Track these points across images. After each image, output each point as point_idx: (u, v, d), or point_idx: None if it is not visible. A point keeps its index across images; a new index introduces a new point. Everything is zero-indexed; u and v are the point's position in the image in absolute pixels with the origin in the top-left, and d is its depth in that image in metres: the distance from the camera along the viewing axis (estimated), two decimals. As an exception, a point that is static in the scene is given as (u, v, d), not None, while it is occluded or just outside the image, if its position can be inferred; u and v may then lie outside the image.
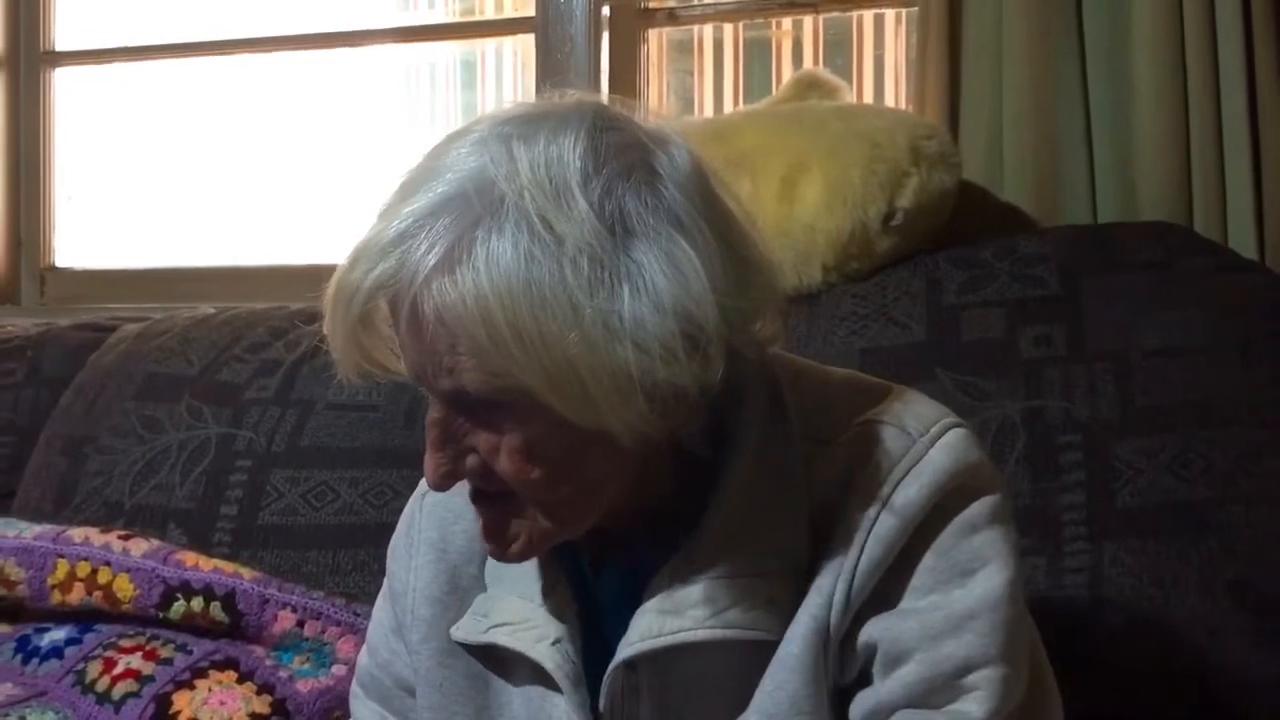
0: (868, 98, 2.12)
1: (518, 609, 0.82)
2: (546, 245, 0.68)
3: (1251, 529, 1.06)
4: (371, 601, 1.24)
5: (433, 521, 0.89)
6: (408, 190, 0.73)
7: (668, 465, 0.79)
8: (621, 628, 0.80)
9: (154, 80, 2.20)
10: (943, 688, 0.75)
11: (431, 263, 0.69)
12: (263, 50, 2.11)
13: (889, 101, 2.12)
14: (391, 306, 0.72)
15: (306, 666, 1.19)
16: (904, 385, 0.84)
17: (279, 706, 1.15)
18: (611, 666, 0.79)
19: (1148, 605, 1.06)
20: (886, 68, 2.23)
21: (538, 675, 0.81)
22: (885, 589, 0.77)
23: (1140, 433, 1.12)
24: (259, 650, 1.20)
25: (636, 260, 0.70)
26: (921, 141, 1.34)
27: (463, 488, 0.84)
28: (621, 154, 0.72)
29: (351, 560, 1.31)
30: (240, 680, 1.16)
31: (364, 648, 0.97)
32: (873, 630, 0.77)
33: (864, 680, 0.78)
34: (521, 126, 0.73)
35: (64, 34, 2.17)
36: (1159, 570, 1.07)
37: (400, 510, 1.30)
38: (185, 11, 2.20)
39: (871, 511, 0.76)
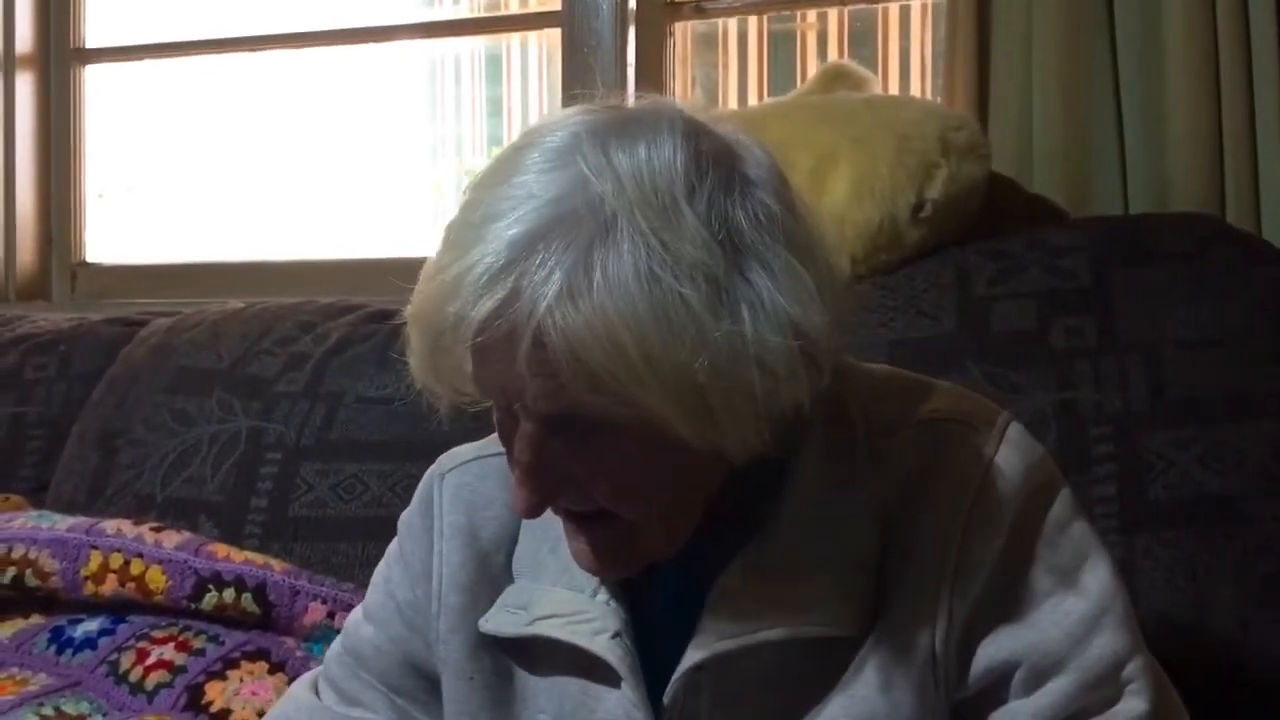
0: (893, 89, 2.11)
1: (567, 601, 0.80)
2: (665, 265, 0.66)
3: (1285, 522, 1.05)
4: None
5: (458, 505, 0.87)
6: (496, 210, 0.68)
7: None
8: (674, 621, 0.79)
9: (183, 77, 2.22)
10: (1103, 686, 0.75)
11: (553, 291, 0.65)
12: (289, 46, 2.12)
13: (914, 93, 2.11)
14: (500, 336, 0.66)
15: (337, 658, 1.19)
16: (933, 378, 0.84)
17: (310, 697, 1.16)
18: (682, 669, 0.77)
19: (1180, 598, 1.05)
20: (912, 59, 2.22)
21: (581, 668, 0.80)
22: (994, 597, 0.76)
23: (1172, 425, 1.11)
24: (290, 641, 1.20)
25: (751, 280, 0.68)
26: (951, 133, 1.33)
27: (488, 470, 0.85)
28: (718, 163, 0.70)
29: (380, 552, 1.29)
30: (271, 671, 1.17)
31: (359, 614, 0.92)
32: (1008, 647, 0.76)
33: (987, 701, 0.77)
34: (613, 132, 0.69)
35: (94, 31, 2.19)
36: (1191, 563, 1.06)
37: (430, 502, 1.31)
38: (213, 9, 2.21)
39: (960, 510, 0.76)
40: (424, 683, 0.88)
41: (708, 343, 0.66)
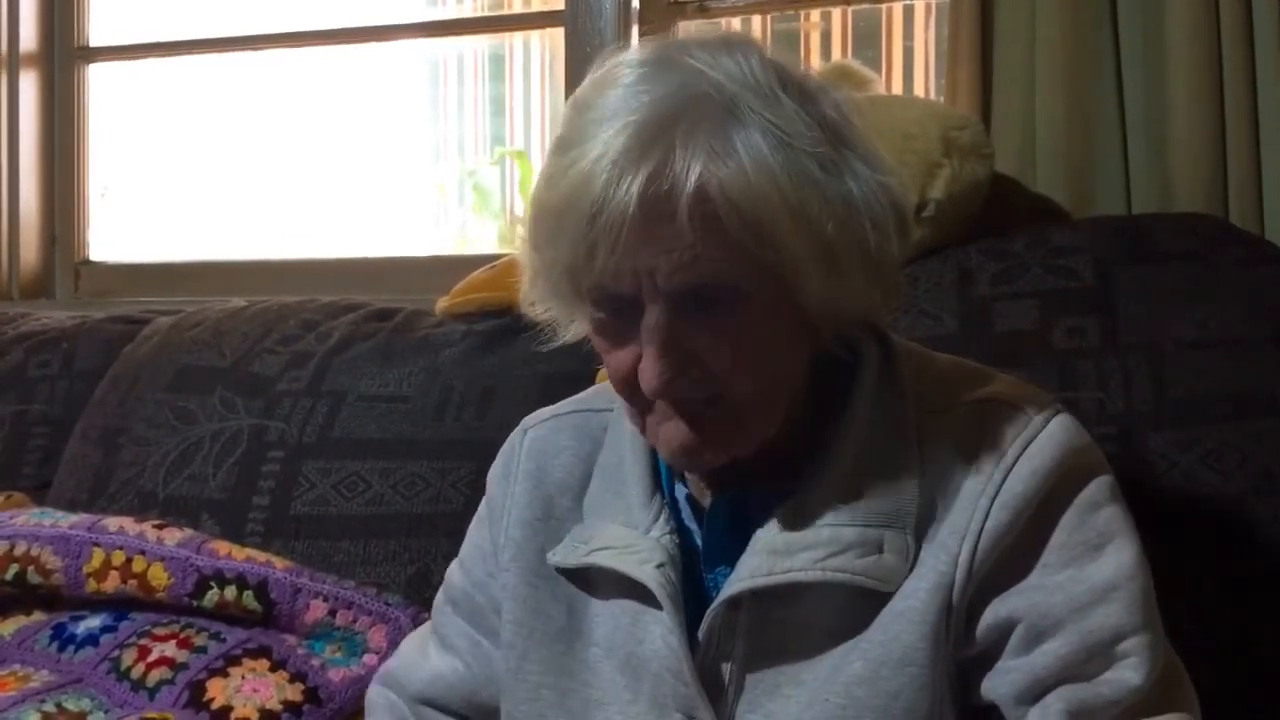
0: (896, 89, 2.11)
1: (621, 535, 0.87)
2: (785, 136, 0.75)
3: (1288, 523, 1.05)
4: (401, 592, 1.26)
5: (532, 455, 0.95)
6: (614, 109, 0.75)
7: (799, 398, 0.83)
8: (720, 566, 0.85)
9: (186, 76, 2.22)
10: (1098, 656, 0.78)
11: (705, 152, 0.73)
12: (293, 45, 2.13)
13: (918, 93, 2.11)
14: (660, 196, 0.73)
15: (338, 655, 1.19)
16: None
17: (311, 694, 1.16)
18: (717, 602, 0.82)
19: (1181, 599, 1.05)
20: (916, 59, 2.23)
21: (636, 594, 0.86)
22: (1012, 562, 0.80)
23: (1175, 425, 1.11)
24: (291, 639, 1.21)
25: (845, 156, 0.78)
26: (954, 132, 1.33)
27: (562, 425, 0.93)
28: (794, 74, 0.80)
29: (382, 550, 1.32)
30: (273, 668, 1.17)
31: (455, 565, 1.01)
32: (1011, 605, 0.79)
33: (989, 659, 0.81)
34: (705, 45, 0.78)
35: (97, 30, 2.19)
36: (1193, 564, 1.05)
37: (430, 500, 1.32)
38: (216, 8, 2.22)
39: (995, 478, 0.80)
40: (498, 620, 0.95)
41: (830, 200, 0.76)
